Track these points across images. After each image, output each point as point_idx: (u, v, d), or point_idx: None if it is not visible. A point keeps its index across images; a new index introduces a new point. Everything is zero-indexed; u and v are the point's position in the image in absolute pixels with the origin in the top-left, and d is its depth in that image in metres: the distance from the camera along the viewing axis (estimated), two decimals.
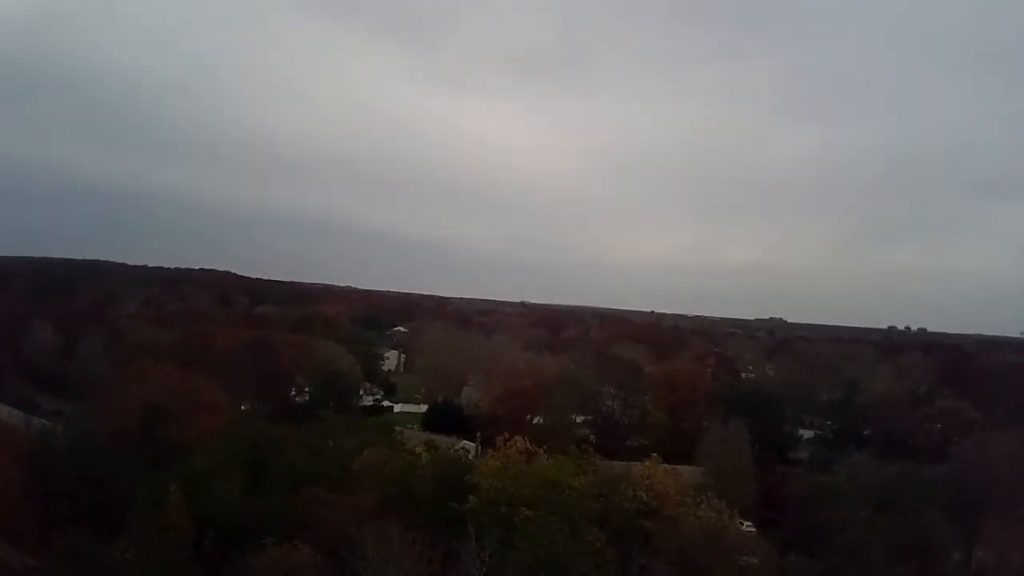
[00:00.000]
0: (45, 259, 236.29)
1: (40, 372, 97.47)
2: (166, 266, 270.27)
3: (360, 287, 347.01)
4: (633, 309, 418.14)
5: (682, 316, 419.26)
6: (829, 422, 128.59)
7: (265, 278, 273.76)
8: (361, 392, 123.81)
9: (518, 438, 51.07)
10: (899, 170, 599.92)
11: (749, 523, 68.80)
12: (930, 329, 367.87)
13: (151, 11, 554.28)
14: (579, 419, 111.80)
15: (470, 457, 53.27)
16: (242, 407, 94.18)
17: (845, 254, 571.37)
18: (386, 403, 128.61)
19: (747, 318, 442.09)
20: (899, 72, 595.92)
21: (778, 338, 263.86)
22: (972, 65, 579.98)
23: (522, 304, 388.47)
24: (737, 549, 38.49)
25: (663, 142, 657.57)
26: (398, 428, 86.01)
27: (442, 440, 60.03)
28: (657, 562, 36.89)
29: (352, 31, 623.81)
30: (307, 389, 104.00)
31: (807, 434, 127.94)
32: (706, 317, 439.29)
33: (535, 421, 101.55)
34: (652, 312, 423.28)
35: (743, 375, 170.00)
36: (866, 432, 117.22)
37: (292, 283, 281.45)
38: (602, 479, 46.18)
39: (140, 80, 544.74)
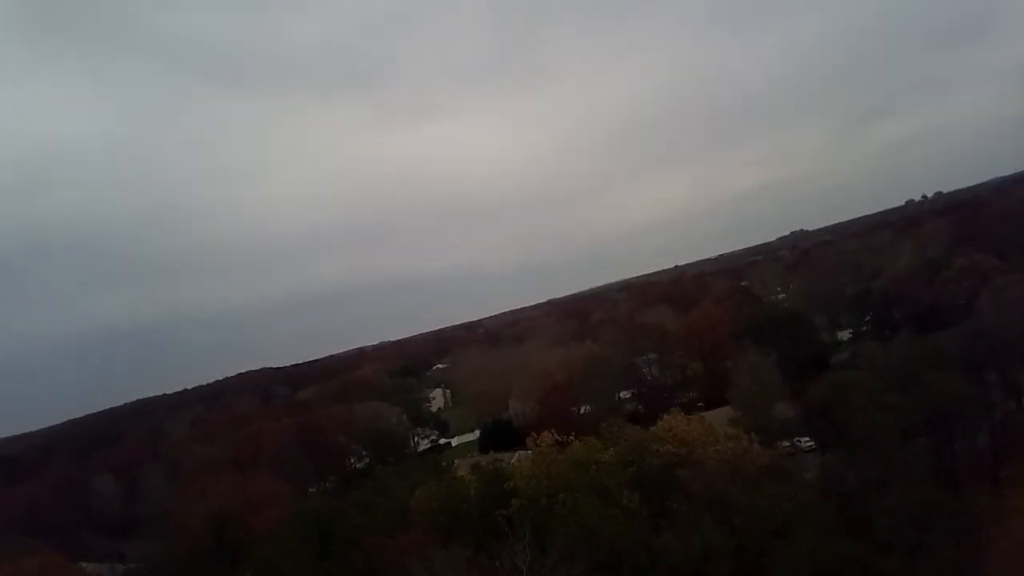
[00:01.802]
0: (87, 416, 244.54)
1: (113, 522, 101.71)
2: (205, 383, 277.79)
3: (392, 339, 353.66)
4: (656, 270, 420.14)
5: (705, 260, 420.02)
6: (863, 317, 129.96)
7: (300, 361, 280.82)
8: (415, 438, 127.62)
9: (545, 433, 54.21)
10: (864, 47, 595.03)
11: (807, 439, 70.79)
12: (946, 191, 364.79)
13: (122, 153, 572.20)
14: (625, 395, 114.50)
15: (512, 463, 55.96)
16: (310, 490, 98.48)
17: (843, 145, 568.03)
18: (443, 441, 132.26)
19: (769, 240, 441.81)
20: None
21: (797, 252, 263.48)
22: None
23: (548, 303, 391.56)
24: (762, 470, 40.76)
25: (634, 99, 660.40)
26: (455, 460, 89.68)
27: (488, 458, 62.80)
28: (688, 504, 39.44)
29: (308, 104, 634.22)
30: (363, 454, 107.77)
31: (844, 335, 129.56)
32: (729, 253, 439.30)
33: (582, 411, 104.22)
34: (675, 267, 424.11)
35: (772, 299, 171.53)
36: (897, 315, 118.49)
37: (327, 358, 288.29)
38: (631, 445, 48.80)
39: (123, 219, 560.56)
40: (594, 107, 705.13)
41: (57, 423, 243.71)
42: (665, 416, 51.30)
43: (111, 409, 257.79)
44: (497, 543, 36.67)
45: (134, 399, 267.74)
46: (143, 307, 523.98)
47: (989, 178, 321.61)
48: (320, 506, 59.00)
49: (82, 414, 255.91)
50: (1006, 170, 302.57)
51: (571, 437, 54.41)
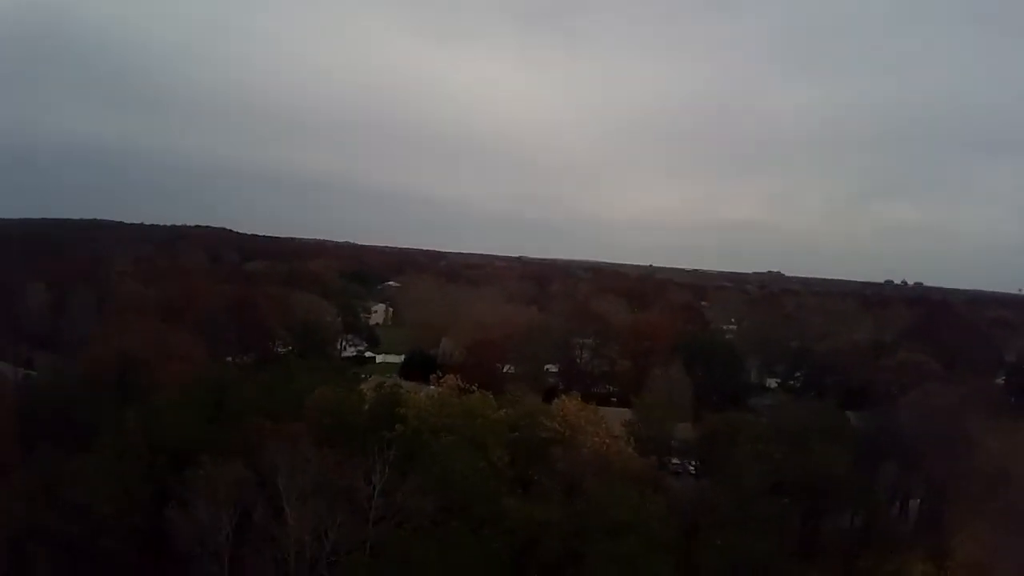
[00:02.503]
0: (43, 220, 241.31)
1: (34, 331, 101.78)
2: (162, 224, 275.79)
3: (358, 243, 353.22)
4: (630, 264, 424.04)
5: (679, 270, 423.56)
6: (795, 372, 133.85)
7: (261, 235, 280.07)
8: (343, 343, 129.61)
9: (450, 376, 56.49)
10: (897, 128, 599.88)
11: (694, 463, 73.80)
12: (927, 284, 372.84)
13: None
14: (552, 368, 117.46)
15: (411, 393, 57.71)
16: (228, 359, 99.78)
17: (844, 209, 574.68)
18: (369, 354, 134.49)
19: (745, 272, 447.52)
20: (897, 31, 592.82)
21: (764, 292, 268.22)
22: (970, 25, 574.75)
23: (519, 260, 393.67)
24: (625, 472, 43.15)
25: (661, 98, 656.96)
26: (370, 375, 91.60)
27: (391, 382, 64.71)
28: (549, 479, 41.94)
29: None
30: (287, 341, 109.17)
31: (773, 383, 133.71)
32: (703, 271, 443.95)
33: (505, 369, 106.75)
34: (649, 266, 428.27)
35: (722, 327, 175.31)
36: (828, 381, 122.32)
37: (287, 239, 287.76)
38: (521, 413, 51.16)
39: (140, 44, 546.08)
40: (627, 92, 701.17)
41: (10, 217, 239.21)
42: (563, 396, 53.64)
43: (66, 219, 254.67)
44: (366, 458, 38.65)
45: (91, 217, 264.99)
46: (128, 133, 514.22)
47: (970, 287, 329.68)
48: (223, 374, 60.72)
49: (38, 216, 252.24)
50: (989, 287, 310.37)
51: (474, 388, 56.81)
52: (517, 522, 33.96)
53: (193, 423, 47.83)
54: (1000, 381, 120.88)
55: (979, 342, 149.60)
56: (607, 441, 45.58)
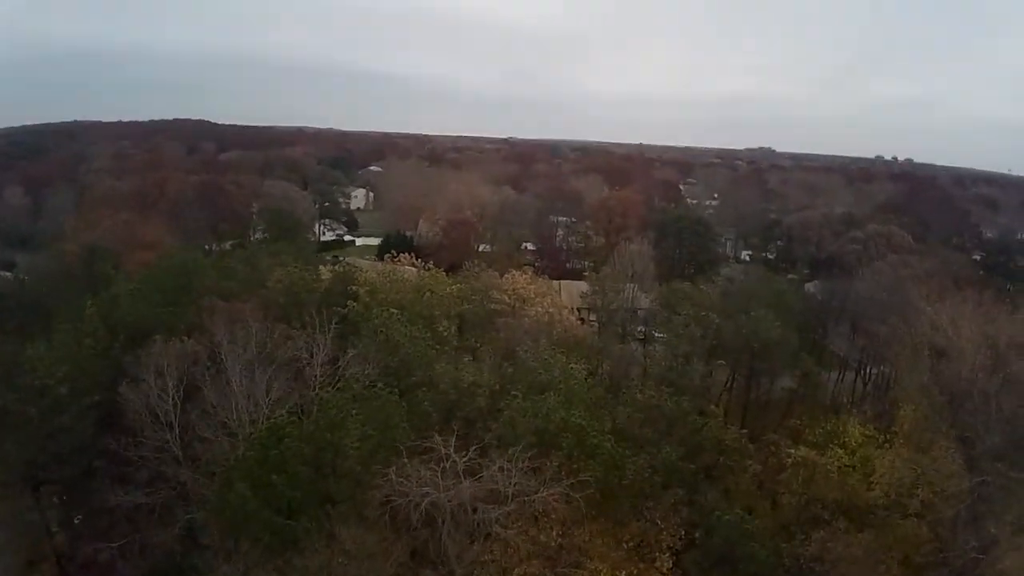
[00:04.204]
0: (22, 128, 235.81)
1: (14, 233, 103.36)
2: (141, 120, 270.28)
3: (341, 129, 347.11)
4: (620, 142, 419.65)
5: (670, 147, 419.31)
6: (768, 244, 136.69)
7: (240, 124, 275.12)
8: (321, 228, 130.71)
9: (405, 255, 57.84)
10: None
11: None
12: (917, 160, 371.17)
13: None
14: (530, 246, 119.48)
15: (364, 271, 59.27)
16: (206, 247, 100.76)
17: (837, 83, 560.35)
18: (347, 237, 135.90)
19: (736, 148, 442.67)
20: None
21: (753, 167, 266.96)
22: None
23: (506, 140, 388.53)
24: (564, 339, 45.20)
25: None
26: (344, 257, 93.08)
27: (346, 262, 66.08)
28: (491, 346, 44.00)
29: None
30: (260, 227, 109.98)
31: (746, 255, 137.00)
32: (694, 148, 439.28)
33: (481, 249, 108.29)
34: (639, 144, 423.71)
35: (703, 203, 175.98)
36: (798, 253, 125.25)
37: (267, 128, 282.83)
38: (473, 287, 52.91)
39: None
40: None
41: None
42: (513, 271, 55.26)
43: (45, 124, 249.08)
44: (314, 331, 40.43)
45: (70, 120, 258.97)
46: (101, 33, 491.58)
47: (960, 165, 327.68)
48: (187, 260, 61.87)
49: (19, 124, 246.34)
50: (979, 165, 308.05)
51: (429, 266, 58.50)
52: (448, 384, 36.11)
53: (151, 306, 49.38)
54: (977, 257, 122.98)
55: (957, 218, 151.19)
56: (550, 311, 47.34)
